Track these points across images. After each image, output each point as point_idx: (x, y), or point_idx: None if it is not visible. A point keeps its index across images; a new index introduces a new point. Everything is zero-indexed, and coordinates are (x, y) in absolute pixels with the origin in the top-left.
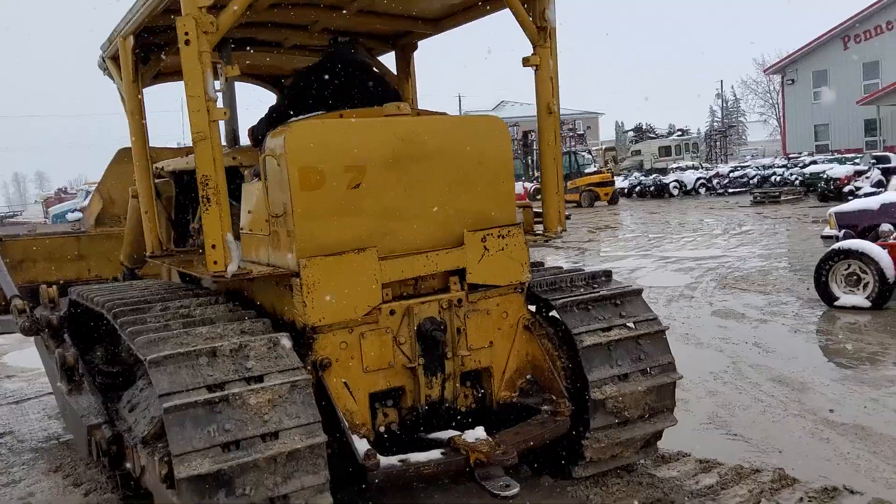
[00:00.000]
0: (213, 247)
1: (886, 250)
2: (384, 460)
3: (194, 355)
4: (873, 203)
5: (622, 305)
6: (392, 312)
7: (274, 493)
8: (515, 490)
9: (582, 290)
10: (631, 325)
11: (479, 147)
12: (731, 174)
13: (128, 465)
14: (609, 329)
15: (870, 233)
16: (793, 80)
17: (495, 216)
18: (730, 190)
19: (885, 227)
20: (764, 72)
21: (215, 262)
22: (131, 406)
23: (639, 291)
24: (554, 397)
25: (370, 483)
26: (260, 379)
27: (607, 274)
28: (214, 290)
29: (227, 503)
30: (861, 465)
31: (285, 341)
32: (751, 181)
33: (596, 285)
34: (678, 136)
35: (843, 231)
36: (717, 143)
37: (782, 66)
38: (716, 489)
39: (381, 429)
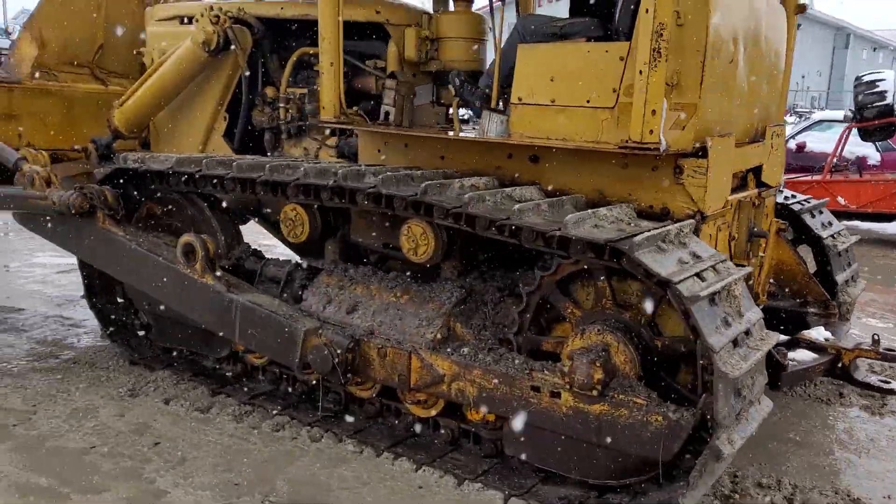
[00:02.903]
0: (654, 112)
1: None
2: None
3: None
4: None
5: (822, 214)
6: (730, 206)
7: (750, 397)
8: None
9: (790, 198)
10: (834, 233)
11: (782, 32)
12: None
13: (391, 374)
14: (835, 236)
15: None
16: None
17: (775, 112)
18: None
19: None
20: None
21: (651, 132)
22: (350, 307)
23: (825, 202)
24: (813, 299)
25: (782, 382)
26: (716, 268)
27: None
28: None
29: (735, 406)
30: None
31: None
32: None
33: (791, 195)
34: None
35: None
36: None
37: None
38: None
39: None
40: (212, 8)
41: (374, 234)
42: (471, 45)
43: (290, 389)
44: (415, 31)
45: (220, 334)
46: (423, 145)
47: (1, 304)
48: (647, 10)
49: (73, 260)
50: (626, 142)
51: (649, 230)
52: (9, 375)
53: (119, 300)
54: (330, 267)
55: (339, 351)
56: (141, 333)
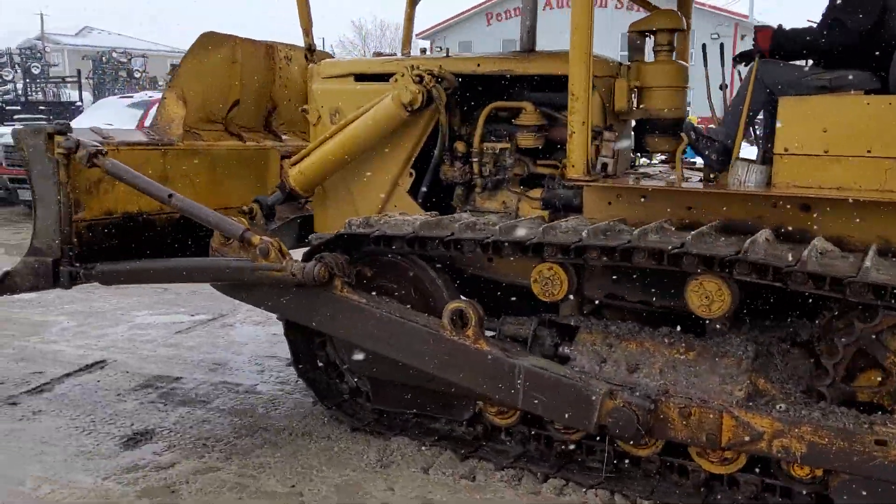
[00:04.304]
0: None
1: None
2: None
3: None
4: None
5: None
6: None
7: None
8: None
9: None
10: None
11: None
12: None
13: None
14: None
15: None
16: (440, 48)
17: None
18: None
19: None
20: (417, 35)
21: None
22: (630, 365)
23: None
24: None
25: None
26: None
27: None
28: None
29: None
30: None
31: None
32: None
33: None
34: None
35: None
36: None
37: (432, 33)
38: None
39: None
40: (413, 67)
41: (600, 286)
42: (676, 94)
43: (544, 450)
44: (625, 82)
45: (497, 399)
46: (666, 197)
47: (151, 373)
48: None
49: (181, 317)
50: None
51: None
52: (237, 454)
53: (320, 365)
54: (589, 323)
55: (641, 412)
56: (346, 398)
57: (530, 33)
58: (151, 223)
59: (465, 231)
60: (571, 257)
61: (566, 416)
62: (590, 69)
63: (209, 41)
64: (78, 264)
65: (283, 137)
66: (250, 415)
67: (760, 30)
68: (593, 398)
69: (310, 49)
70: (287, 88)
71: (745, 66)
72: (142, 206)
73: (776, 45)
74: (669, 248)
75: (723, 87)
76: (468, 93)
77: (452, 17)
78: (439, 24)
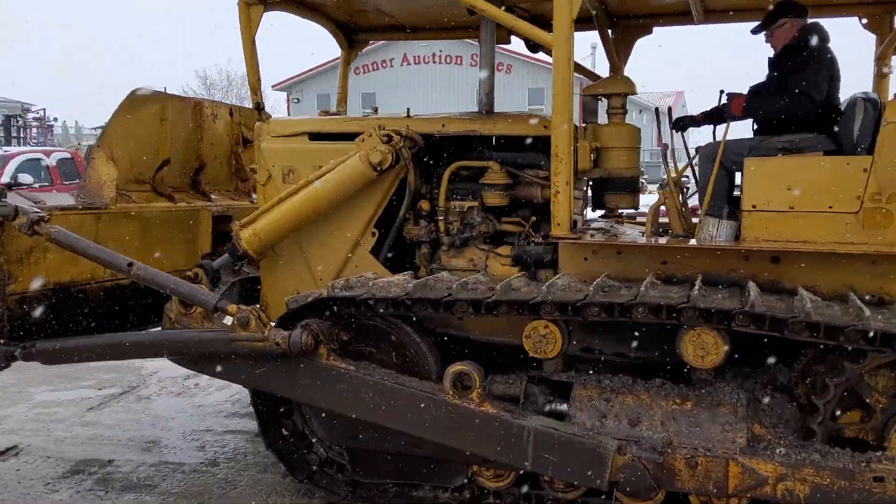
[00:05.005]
0: None
1: None
2: None
3: None
4: None
5: None
6: None
7: None
8: None
9: None
10: None
11: None
12: None
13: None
14: None
15: None
16: (298, 100)
17: None
18: None
19: None
20: (272, 87)
21: None
22: (631, 419)
23: None
24: None
25: None
26: None
27: None
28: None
29: None
30: None
31: None
32: None
33: None
34: None
35: None
36: None
37: (290, 84)
38: None
39: None
40: (380, 126)
41: (577, 340)
42: (631, 153)
43: None
44: (588, 143)
45: (503, 462)
46: (641, 252)
47: (76, 457)
48: None
49: (87, 392)
50: None
51: None
52: None
53: (286, 434)
54: (582, 379)
55: (651, 466)
56: (316, 469)
57: (489, 95)
58: (84, 293)
59: (462, 291)
60: (570, 314)
61: (577, 474)
62: (571, 132)
63: (139, 98)
64: (12, 342)
65: (212, 197)
66: (207, 495)
67: (734, 97)
68: (605, 455)
69: (258, 107)
70: (214, 146)
71: (683, 131)
72: (74, 276)
73: (746, 112)
74: (677, 303)
75: (665, 147)
76: (431, 152)
77: (310, 70)
78: (296, 76)
